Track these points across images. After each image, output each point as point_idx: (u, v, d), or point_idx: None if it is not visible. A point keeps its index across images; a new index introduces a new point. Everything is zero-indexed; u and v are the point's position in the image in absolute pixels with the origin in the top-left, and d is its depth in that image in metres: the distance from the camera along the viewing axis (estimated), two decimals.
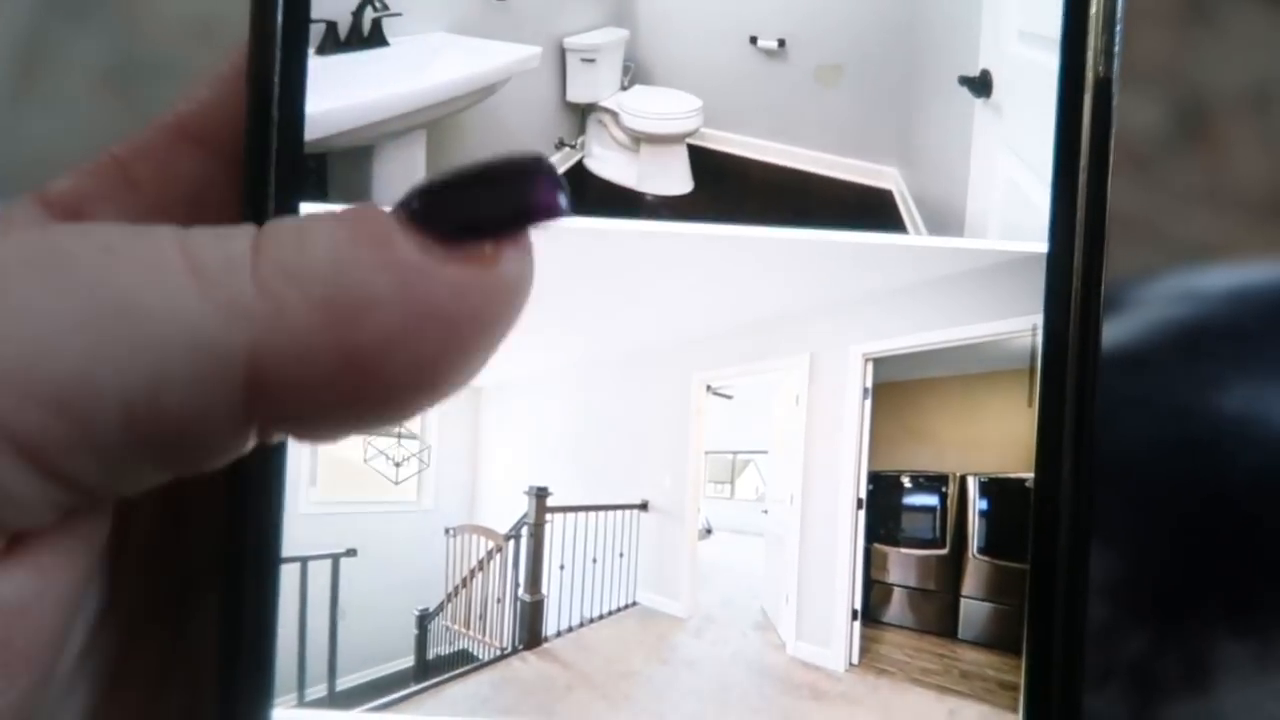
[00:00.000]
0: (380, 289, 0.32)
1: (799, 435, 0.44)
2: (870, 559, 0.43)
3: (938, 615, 0.44)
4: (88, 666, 0.39)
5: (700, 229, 0.39)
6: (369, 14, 0.41)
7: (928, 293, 0.42)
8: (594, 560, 0.46)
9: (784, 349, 0.43)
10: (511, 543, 0.44)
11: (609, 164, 0.43)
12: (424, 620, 0.45)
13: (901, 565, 0.43)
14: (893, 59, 0.41)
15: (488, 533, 0.44)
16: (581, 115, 0.44)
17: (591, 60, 0.44)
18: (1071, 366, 0.40)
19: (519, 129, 0.43)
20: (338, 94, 0.39)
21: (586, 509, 0.45)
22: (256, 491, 0.40)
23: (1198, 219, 1.69)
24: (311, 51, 0.39)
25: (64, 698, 0.38)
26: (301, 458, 0.41)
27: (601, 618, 0.44)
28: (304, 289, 0.32)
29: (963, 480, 0.43)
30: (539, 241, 0.33)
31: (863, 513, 0.43)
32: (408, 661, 0.44)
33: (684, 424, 0.44)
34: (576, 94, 0.44)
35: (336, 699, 0.43)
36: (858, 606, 0.43)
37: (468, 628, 0.46)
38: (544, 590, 0.44)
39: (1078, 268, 0.40)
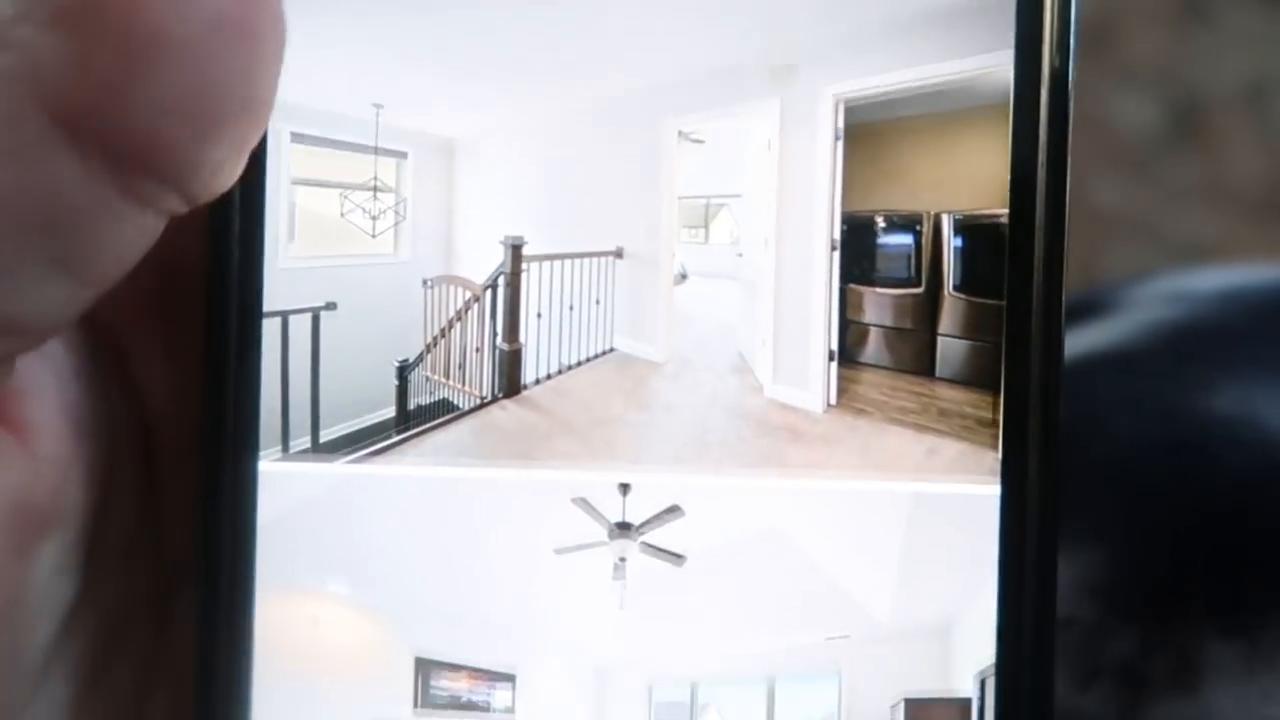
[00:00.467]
0: None
1: (772, 179, 0.44)
2: (846, 300, 0.43)
3: (914, 354, 0.44)
4: (61, 661, 0.39)
5: None
6: None
7: (900, 32, 0.41)
8: (571, 308, 0.46)
9: (755, 93, 0.43)
10: (489, 293, 0.44)
11: None
12: (404, 371, 0.45)
13: (877, 305, 0.44)
14: None
15: (465, 283, 0.44)
16: None
17: None
18: (1045, 100, 0.40)
19: None
20: None
21: (562, 257, 0.45)
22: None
23: (1192, 217, 1.66)
24: None
25: (35, 692, 0.38)
26: (280, 216, 0.41)
27: (579, 364, 0.45)
28: (35, 17, 0.31)
29: (937, 219, 0.43)
30: None
31: (837, 254, 0.43)
32: (389, 412, 0.45)
33: (656, 170, 0.44)
34: None
35: (320, 450, 0.43)
36: (834, 348, 0.44)
37: (447, 377, 0.46)
38: (522, 339, 0.45)
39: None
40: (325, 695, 0.44)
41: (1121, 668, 0.55)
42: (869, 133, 0.44)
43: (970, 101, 0.41)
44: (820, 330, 0.44)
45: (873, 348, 0.44)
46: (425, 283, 0.44)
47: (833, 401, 0.43)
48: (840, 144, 0.44)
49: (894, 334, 0.44)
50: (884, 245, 0.43)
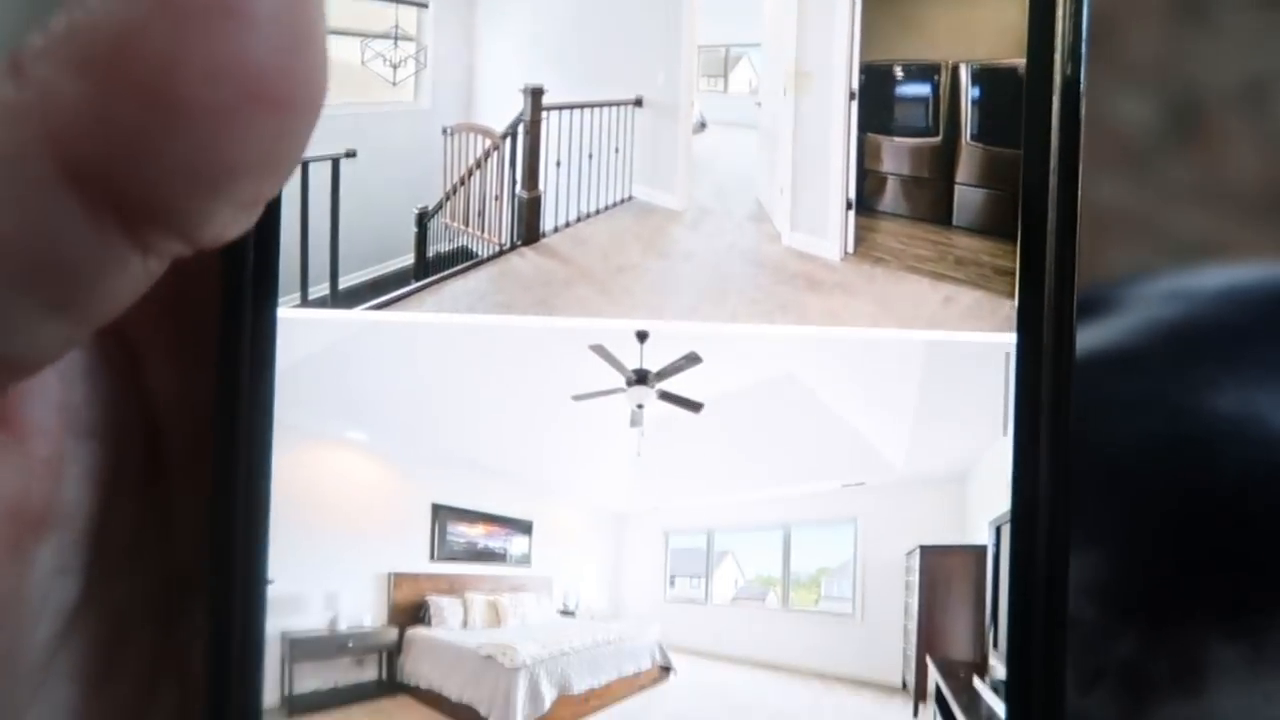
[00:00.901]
0: (135, 10, 0.30)
1: (791, 28, 0.44)
2: (864, 149, 0.43)
3: (932, 203, 0.44)
4: (66, 660, 0.39)
5: None
6: None
7: None
8: (590, 156, 0.46)
9: None
10: (508, 141, 0.44)
11: None
12: (423, 219, 0.45)
13: (895, 154, 0.44)
14: None
15: (485, 131, 0.44)
16: None
17: None
18: (1057, 108, 0.40)
19: None
20: None
21: (582, 106, 0.45)
22: None
23: (1192, 216, 1.65)
24: None
25: (38, 691, 0.38)
26: None
27: (598, 213, 0.45)
28: (60, 56, 0.31)
29: (955, 68, 0.43)
30: None
31: (855, 104, 0.43)
32: (408, 259, 0.45)
33: (676, 18, 0.44)
34: None
35: (339, 298, 0.43)
36: (852, 196, 0.44)
37: (466, 225, 0.47)
38: (541, 187, 0.45)
39: None
40: (343, 546, 0.44)
41: (1125, 669, 0.55)
42: None
43: None
44: (838, 179, 0.44)
45: (890, 197, 0.44)
46: (445, 131, 0.44)
47: (850, 250, 0.43)
48: None
49: (911, 183, 0.44)
50: (902, 94, 0.44)
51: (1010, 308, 0.41)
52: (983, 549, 0.43)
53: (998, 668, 0.42)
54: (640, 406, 0.44)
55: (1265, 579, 0.56)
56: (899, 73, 0.43)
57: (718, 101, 0.44)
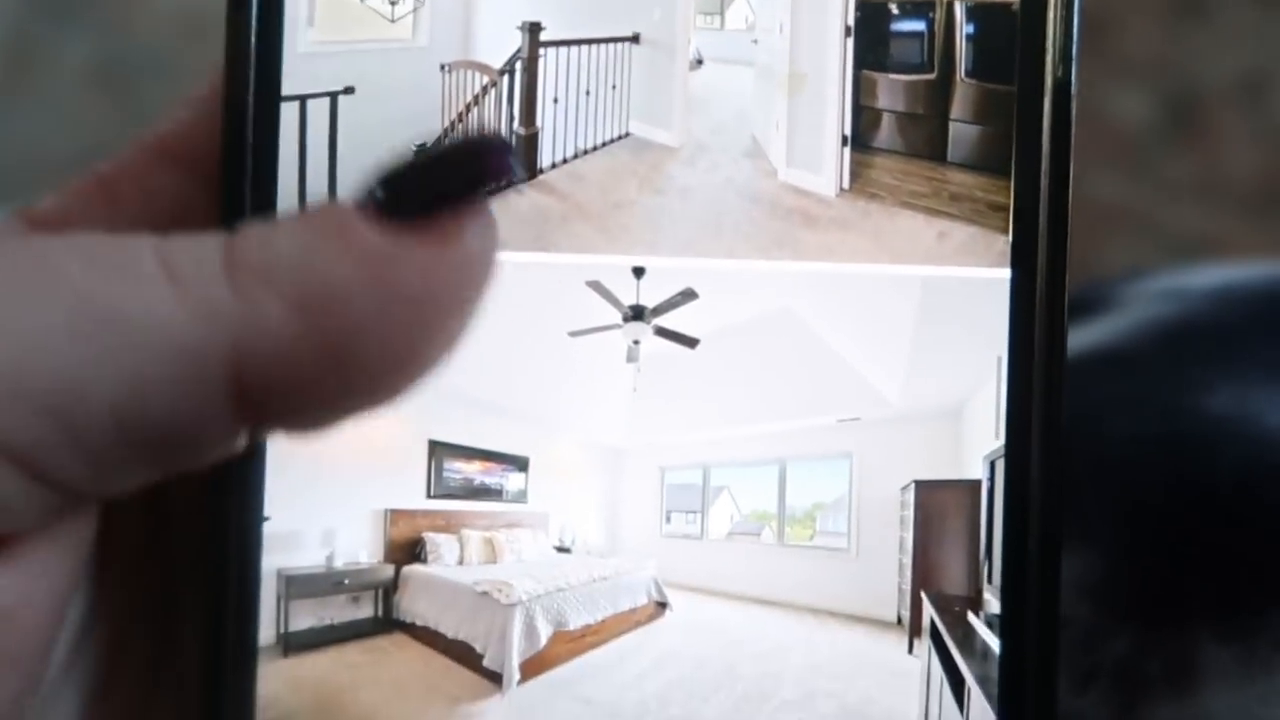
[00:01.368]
0: (350, 279, 0.33)
1: None
2: (859, 85, 0.43)
3: (927, 139, 0.44)
4: (75, 671, 0.39)
5: None
6: None
7: None
8: (587, 93, 0.46)
9: None
10: (506, 77, 0.44)
11: None
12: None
13: (890, 90, 0.44)
14: None
15: (483, 68, 0.44)
16: None
17: None
18: (1048, 109, 0.41)
19: None
20: None
21: (579, 43, 0.45)
22: None
23: (1188, 212, 1.65)
24: None
25: (52, 702, 0.39)
26: (299, 1, 0.41)
27: (595, 149, 0.45)
28: (276, 287, 0.33)
29: (950, 5, 0.43)
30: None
31: (851, 40, 0.43)
32: None
33: None
34: None
35: None
36: (847, 132, 0.44)
37: None
38: (539, 123, 0.45)
39: None
40: (339, 483, 0.44)
41: (1118, 670, 0.55)
42: None
43: None
44: (834, 115, 0.44)
45: (885, 133, 0.44)
46: (443, 67, 0.44)
47: (845, 186, 0.44)
48: None
49: (906, 119, 0.44)
50: (897, 30, 0.44)
51: (1004, 243, 0.41)
52: (977, 484, 0.43)
53: (992, 602, 0.42)
54: (636, 342, 0.44)
55: (1260, 579, 0.56)
56: (894, 9, 0.43)
57: (714, 38, 0.45)
